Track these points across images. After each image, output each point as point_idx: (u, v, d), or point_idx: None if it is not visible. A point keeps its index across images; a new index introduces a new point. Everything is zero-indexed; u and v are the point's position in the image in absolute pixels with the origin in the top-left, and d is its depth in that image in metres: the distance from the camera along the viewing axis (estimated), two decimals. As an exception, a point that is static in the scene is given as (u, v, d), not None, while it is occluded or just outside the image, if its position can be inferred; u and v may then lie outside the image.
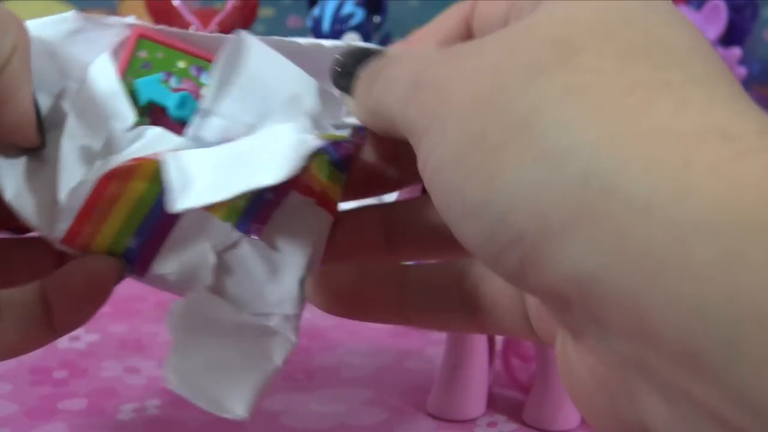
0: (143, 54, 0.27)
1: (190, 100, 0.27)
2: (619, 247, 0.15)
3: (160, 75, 0.27)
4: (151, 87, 0.27)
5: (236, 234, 0.26)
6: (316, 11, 0.74)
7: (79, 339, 0.47)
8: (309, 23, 0.75)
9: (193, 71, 0.27)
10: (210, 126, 0.26)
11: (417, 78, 0.20)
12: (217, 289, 0.26)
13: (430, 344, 0.47)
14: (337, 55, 0.25)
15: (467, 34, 0.25)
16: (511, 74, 0.17)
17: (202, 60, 0.27)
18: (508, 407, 0.41)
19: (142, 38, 0.27)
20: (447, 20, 0.25)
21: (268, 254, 0.26)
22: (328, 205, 0.26)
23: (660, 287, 0.14)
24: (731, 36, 0.75)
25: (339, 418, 0.39)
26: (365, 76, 0.24)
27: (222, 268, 0.26)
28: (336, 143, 0.26)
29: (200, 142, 0.26)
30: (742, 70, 0.72)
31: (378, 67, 0.23)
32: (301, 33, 0.93)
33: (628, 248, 0.15)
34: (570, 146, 0.16)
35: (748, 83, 0.78)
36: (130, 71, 0.27)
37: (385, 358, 0.46)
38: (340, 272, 0.26)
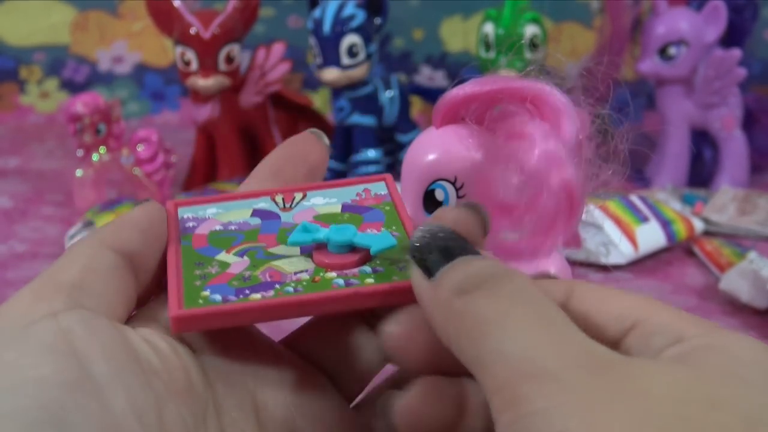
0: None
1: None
2: None
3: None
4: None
5: None
6: (317, 13, 0.74)
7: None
8: (309, 24, 0.75)
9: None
10: None
11: (551, 320, 0.21)
12: None
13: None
14: (423, 232, 0.24)
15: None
16: None
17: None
18: None
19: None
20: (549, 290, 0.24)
21: None
22: None
23: None
24: (731, 37, 0.75)
25: None
26: (472, 274, 0.22)
27: None
28: None
29: None
30: (742, 71, 0.73)
31: (497, 276, 0.22)
32: (302, 33, 0.93)
33: None
34: None
35: (748, 84, 0.78)
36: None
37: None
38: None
